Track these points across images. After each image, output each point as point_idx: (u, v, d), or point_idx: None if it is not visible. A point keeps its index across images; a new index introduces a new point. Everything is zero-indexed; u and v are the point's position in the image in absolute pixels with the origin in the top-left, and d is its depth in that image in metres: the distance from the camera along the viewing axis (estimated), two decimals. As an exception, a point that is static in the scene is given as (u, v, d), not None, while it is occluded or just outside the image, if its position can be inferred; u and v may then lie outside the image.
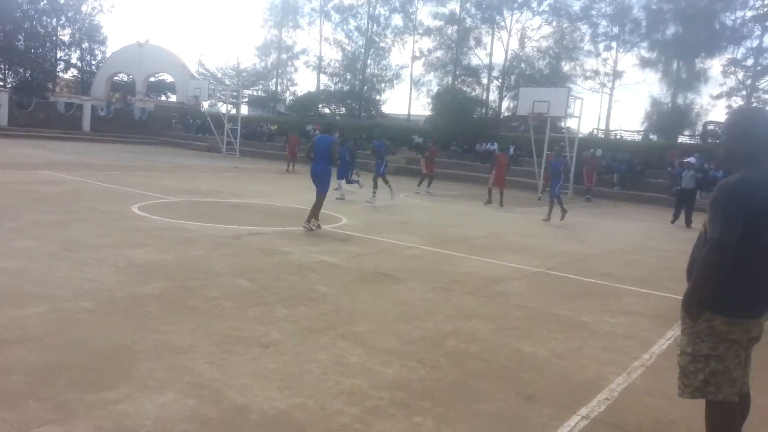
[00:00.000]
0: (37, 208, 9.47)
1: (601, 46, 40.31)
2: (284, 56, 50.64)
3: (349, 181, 14.89)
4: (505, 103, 42.00)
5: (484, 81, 42.37)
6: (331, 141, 9.64)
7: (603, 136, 35.78)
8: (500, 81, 42.20)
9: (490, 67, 41.93)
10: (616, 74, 40.30)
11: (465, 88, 40.80)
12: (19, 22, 57.04)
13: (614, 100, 41.20)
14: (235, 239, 8.21)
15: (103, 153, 25.09)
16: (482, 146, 29.53)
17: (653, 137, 36.53)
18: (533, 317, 5.56)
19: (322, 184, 9.56)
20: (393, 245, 8.89)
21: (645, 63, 38.88)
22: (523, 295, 6.40)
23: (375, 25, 47.27)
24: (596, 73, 40.92)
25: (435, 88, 42.30)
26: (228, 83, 49.33)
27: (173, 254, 6.95)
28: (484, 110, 39.59)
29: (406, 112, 46.59)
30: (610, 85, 40.69)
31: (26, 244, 6.76)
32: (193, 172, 19.72)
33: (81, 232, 7.77)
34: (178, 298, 5.20)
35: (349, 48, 48.46)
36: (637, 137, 35.05)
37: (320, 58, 49.08)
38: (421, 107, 57.21)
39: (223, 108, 37.16)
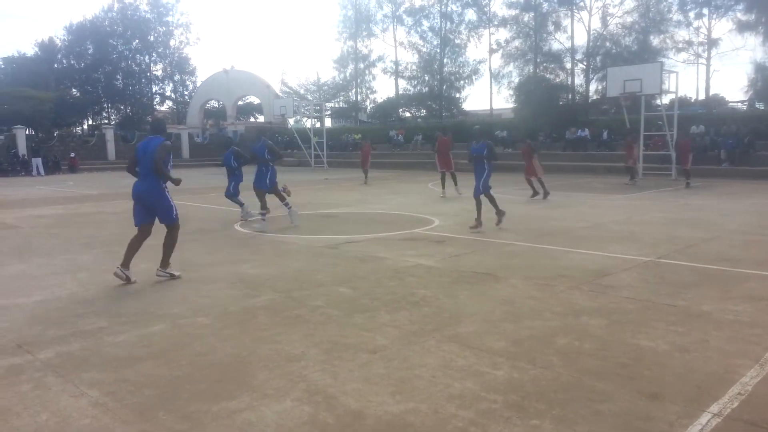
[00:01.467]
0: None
1: (692, 14, 37.89)
2: (361, 65, 51.49)
3: (231, 196, 11.84)
4: (593, 86, 40.43)
5: (568, 66, 41.00)
6: (157, 144, 6.46)
7: (703, 110, 33.48)
8: (585, 64, 40.65)
9: (572, 51, 40.49)
10: (711, 43, 37.70)
11: (548, 76, 39.66)
12: (116, 62, 61.77)
13: (712, 70, 38.51)
14: (331, 249, 8.39)
15: (202, 177, 26.52)
16: (572, 133, 28.53)
17: (760, 105, 33.77)
18: (648, 309, 5.26)
19: (158, 210, 6.63)
20: (488, 243, 8.74)
21: (743, 27, 36.13)
22: (633, 286, 6.08)
23: (448, 23, 47.06)
24: (689, 43, 38.55)
25: (516, 79, 41.45)
26: (310, 98, 50.76)
27: (276, 267, 7.20)
28: (570, 96, 38.24)
29: (488, 107, 45.89)
30: (705, 55, 38.12)
31: (144, 267, 7.23)
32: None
33: (192, 252, 8.23)
34: (285, 309, 5.38)
35: (424, 49, 48.54)
36: (742, 107, 32.52)
37: (397, 63, 49.48)
38: (503, 100, 56.11)
39: (308, 123, 38.20)
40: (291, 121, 42.16)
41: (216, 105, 56.63)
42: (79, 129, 58.83)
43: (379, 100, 52.54)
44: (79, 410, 3.37)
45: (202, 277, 6.69)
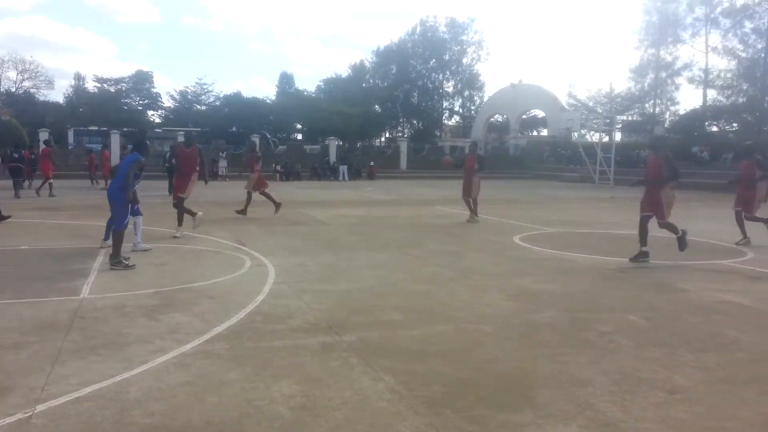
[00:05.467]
0: (437, 238, 10.79)
1: None
2: (663, 74, 47.24)
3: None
4: None
5: None
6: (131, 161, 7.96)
7: None
8: None
9: None
10: None
11: None
12: (414, 81, 67.53)
13: None
14: (620, 272, 7.81)
15: (483, 189, 27.32)
16: None
17: None
18: None
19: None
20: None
21: None
22: None
23: (777, 24, 40.16)
24: None
25: None
26: (600, 111, 48.39)
27: (559, 284, 6.97)
28: None
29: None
30: None
31: (431, 270, 7.72)
32: (566, 203, 19.80)
33: (475, 260, 8.49)
34: (570, 329, 5.15)
35: (744, 54, 42.25)
36: None
37: (706, 71, 44.07)
38: None
39: (594, 137, 36.47)
40: (575, 135, 40.80)
41: (500, 119, 57.88)
42: (378, 141, 66.00)
43: (681, 113, 47.55)
44: (377, 393, 3.70)
45: (484, 286, 6.83)
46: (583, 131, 38.11)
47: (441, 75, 68.41)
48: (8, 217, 11.89)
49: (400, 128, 70.63)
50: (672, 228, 8.41)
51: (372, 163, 39.05)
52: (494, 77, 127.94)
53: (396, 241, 10.34)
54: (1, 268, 7.39)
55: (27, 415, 3.28)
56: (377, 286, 6.77)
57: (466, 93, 68.87)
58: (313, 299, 6.04)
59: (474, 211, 13.53)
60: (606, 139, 36.43)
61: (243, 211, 13.50)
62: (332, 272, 7.56)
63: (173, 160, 11.40)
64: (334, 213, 15.33)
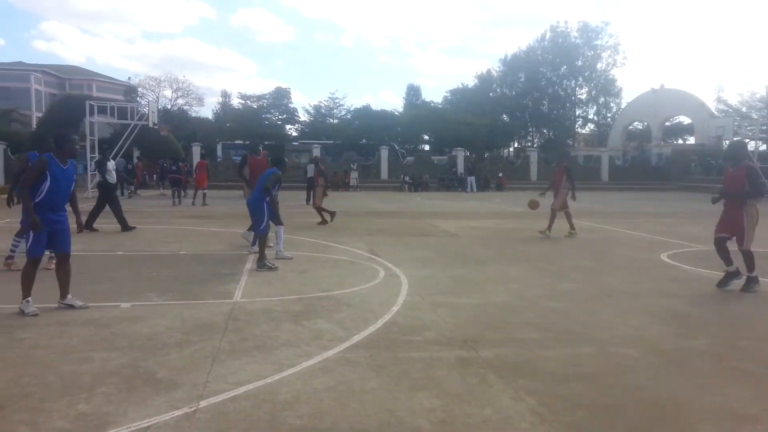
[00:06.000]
0: (573, 253, 10.36)
1: None
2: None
3: None
4: None
5: None
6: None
7: None
8: None
9: None
10: None
11: None
12: (544, 89, 65.60)
13: None
14: (787, 296, 7.00)
15: (622, 201, 25.89)
16: None
17: None
18: None
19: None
20: None
21: None
22: None
23: None
24: None
25: None
26: (755, 117, 43.91)
27: (713, 308, 6.42)
28: None
29: None
30: None
31: (568, 287, 7.42)
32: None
33: (616, 278, 8.05)
34: (729, 358, 4.71)
35: None
36: None
37: None
38: None
39: (750, 145, 33.14)
40: (726, 143, 37.29)
41: (640, 126, 54.48)
42: (506, 151, 64.85)
43: None
44: (519, 414, 3.62)
45: (628, 306, 6.44)
46: (735, 139, 34.73)
47: (573, 82, 65.90)
48: (133, 228, 12.46)
49: (529, 138, 68.88)
50: (749, 259, 7.07)
51: (501, 174, 38.43)
52: (632, 82, 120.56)
53: (529, 255, 10.07)
54: (164, 271, 8.20)
55: (192, 409, 3.60)
56: (512, 302, 6.63)
57: (602, 100, 65.74)
58: (447, 312, 6.05)
59: (549, 226, 12.63)
60: (763, 147, 32.94)
61: (324, 222, 14.29)
62: (464, 285, 7.52)
63: (244, 169, 11.29)
64: (464, 224, 15.27)
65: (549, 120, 66.20)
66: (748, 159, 7.44)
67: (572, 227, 12.65)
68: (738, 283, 7.19)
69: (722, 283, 7.30)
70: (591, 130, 69.63)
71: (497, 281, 7.81)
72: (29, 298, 5.72)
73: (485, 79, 69.15)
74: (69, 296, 6.01)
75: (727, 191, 7.34)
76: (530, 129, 68.62)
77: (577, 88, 66.28)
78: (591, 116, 67.84)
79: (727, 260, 7.29)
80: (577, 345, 5.05)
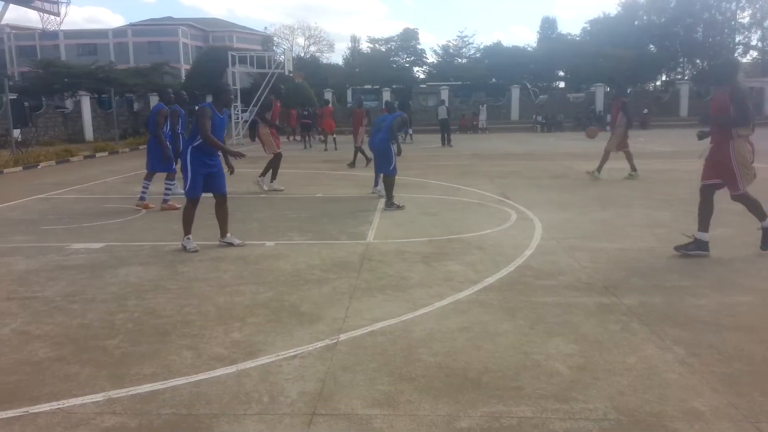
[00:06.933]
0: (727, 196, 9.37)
1: None
2: None
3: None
4: None
5: None
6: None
7: None
8: None
9: None
10: None
11: None
12: (699, 14, 58.61)
13: None
14: None
15: None
16: None
17: None
18: None
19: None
20: None
21: None
22: None
23: None
24: None
25: None
26: None
27: None
28: None
29: None
30: None
31: (723, 232, 6.70)
32: None
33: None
34: None
35: None
36: None
37: None
38: None
39: None
40: None
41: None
42: (652, 85, 59.56)
43: None
44: (666, 363, 3.41)
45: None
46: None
47: (734, 4, 58.26)
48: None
49: (679, 69, 62.59)
50: (752, 204, 5.68)
51: (646, 111, 35.47)
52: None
53: (678, 198, 9.29)
54: (302, 212, 8.63)
55: (333, 341, 3.80)
56: (659, 247, 6.18)
57: (767, 24, 57.63)
58: (585, 257, 5.79)
59: (599, 167, 11.77)
60: None
61: (353, 164, 14.87)
62: (605, 229, 7.14)
63: (266, 115, 10.83)
64: (606, 166, 14.35)
65: (704, 49, 59.44)
66: (735, 80, 5.62)
67: (633, 168, 11.78)
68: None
69: (682, 247, 5.80)
70: (754, 58, 61.69)
71: (643, 225, 7.32)
72: (189, 236, 6.31)
73: (630, 6, 63.18)
74: (228, 235, 6.54)
75: (709, 120, 5.91)
76: (681, 60, 62.23)
77: (738, 12, 58.64)
78: (754, 43, 59.96)
79: (704, 223, 5.83)
80: (733, 293, 4.62)
